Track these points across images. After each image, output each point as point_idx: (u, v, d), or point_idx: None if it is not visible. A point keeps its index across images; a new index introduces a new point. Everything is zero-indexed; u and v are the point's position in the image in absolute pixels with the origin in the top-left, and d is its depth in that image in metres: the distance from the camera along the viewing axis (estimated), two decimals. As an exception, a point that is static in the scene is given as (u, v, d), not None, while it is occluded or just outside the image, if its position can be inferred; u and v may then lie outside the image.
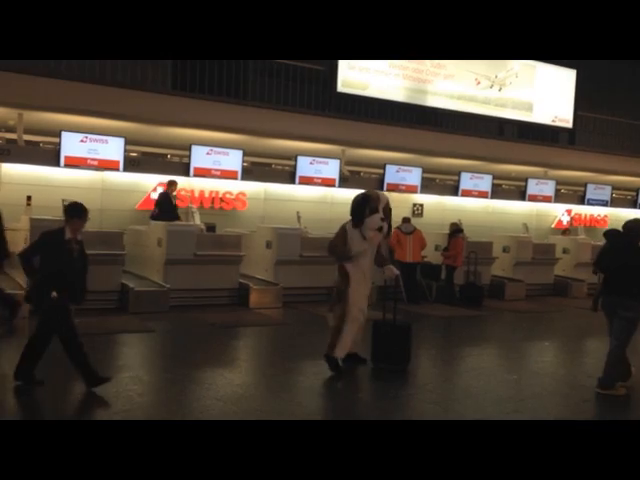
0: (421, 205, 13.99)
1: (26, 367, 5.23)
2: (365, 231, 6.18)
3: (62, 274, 5.14)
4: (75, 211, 5.34)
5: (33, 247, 5.37)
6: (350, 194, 13.01)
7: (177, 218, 10.35)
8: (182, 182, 11.25)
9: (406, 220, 11.54)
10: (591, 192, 15.70)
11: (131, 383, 5.62)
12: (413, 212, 13.66)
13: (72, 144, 9.88)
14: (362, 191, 6.53)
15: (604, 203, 16.01)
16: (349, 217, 6.37)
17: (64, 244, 5.20)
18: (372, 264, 6.43)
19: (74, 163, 9.97)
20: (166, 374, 6.18)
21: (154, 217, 10.16)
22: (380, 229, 6.18)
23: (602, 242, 15.33)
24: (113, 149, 10.15)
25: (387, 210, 6.30)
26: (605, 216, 16.78)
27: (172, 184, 10.50)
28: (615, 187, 16.16)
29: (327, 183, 12.11)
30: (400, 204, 13.39)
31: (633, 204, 16.65)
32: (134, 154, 10.84)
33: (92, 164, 10.06)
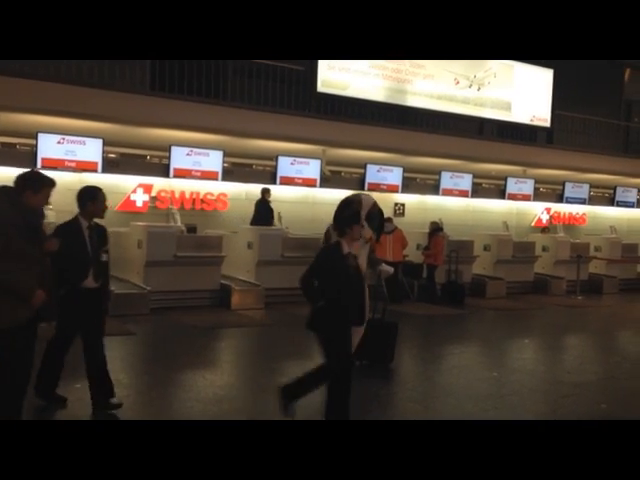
0: (402, 204, 14.05)
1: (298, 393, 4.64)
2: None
3: (346, 295, 4.48)
4: (352, 218, 4.59)
5: (312, 268, 4.62)
6: (331, 194, 13.11)
7: (272, 223, 11.10)
8: (162, 183, 11.18)
9: (387, 220, 11.57)
10: (569, 190, 15.88)
11: (111, 386, 5.57)
12: (395, 211, 13.71)
13: (49, 146, 9.76)
14: (347, 193, 6.43)
15: (582, 201, 16.20)
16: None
17: (343, 260, 4.49)
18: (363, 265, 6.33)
19: (51, 165, 9.83)
20: (146, 377, 6.14)
21: (253, 223, 10.98)
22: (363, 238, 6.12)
23: (580, 240, 15.55)
24: (91, 150, 10.04)
25: (375, 214, 5.91)
26: (583, 214, 16.98)
27: (267, 191, 11.19)
28: (592, 185, 16.36)
29: (308, 183, 12.11)
30: (382, 203, 13.26)
31: (610, 202, 16.87)
32: (113, 155, 10.74)
33: (70, 166, 9.94)
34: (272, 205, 11.36)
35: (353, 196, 6.40)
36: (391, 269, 6.67)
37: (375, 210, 6.07)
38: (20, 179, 3.95)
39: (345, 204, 6.05)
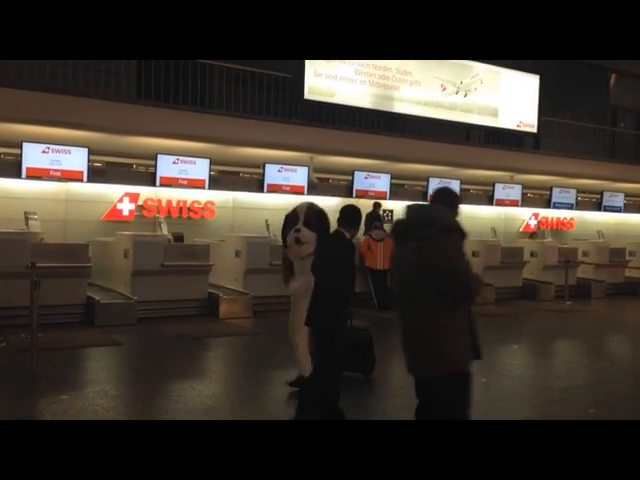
0: (391, 211, 14.04)
1: None
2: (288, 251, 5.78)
3: None
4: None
5: None
6: (319, 202, 13.06)
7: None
8: (148, 192, 11.11)
9: (377, 227, 11.56)
10: (556, 196, 15.94)
11: (97, 398, 5.52)
12: (383, 218, 13.69)
13: (34, 155, 9.65)
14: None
15: (569, 206, 16.27)
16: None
17: None
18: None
19: (36, 174, 9.75)
20: (134, 388, 6.07)
21: (366, 233, 11.71)
22: (297, 241, 5.59)
23: (568, 245, 15.56)
24: (76, 159, 9.95)
25: (311, 216, 5.69)
26: (571, 219, 17.07)
27: (379, 205, 12.58)
28: (580, 190, 16.44)
29: (296, 191, 12.07)
30: (370, 210, 13.44)
31: (597, 207, 16.96)
32: (98, 164, 10.66)
33: (55, 175, 9.84)
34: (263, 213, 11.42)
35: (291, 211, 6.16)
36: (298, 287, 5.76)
37: (311, 213, 5.70)
38: (453, 196, 3.67)
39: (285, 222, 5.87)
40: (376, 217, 12.37)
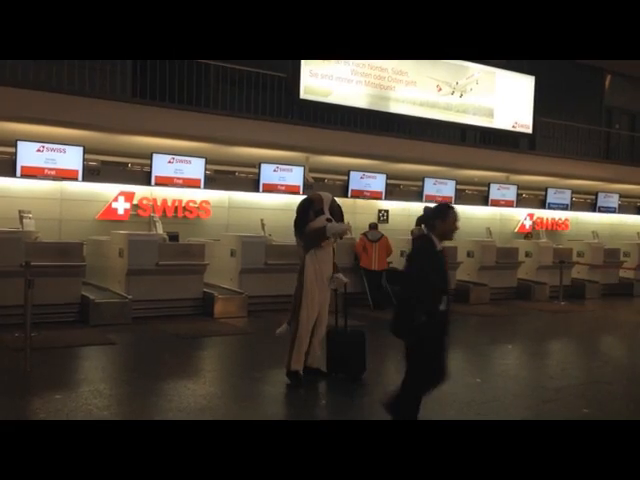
0: (386, 211, 14.05)
1: None
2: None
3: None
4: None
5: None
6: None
7: None
8: (144, 191, 11.09)
9: (373, 227, 11.54)
10: (551, 196, 15.97)
11: (91, 397, 5.50)
12: (378, 218, 13.69)
13: (28, 154, 9.61)
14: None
15: (564, 207, 16.30)
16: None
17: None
18: (330, 270, 6.23)
19: (31, 173, 9.71)
20: (128, 387, 6.06)
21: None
22: None
23: (563, 246, 15.57)
24: (71, 158, 9.91)
25: (335, 209, 6.17)
26: (566, 220, 17.10)
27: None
28: (575, 191, 16.48)
29: (291, 190, 12.07)
30: (365, 210, 13.45)
31: (592, 207, 17.00)
32: (93, 163, 10.63)
33: (50, 174, 9.81)
34: None
35: (311, 194, 6.45)
36: (344, 279, 6.38)
37: (334, 205, 6.19)
38: None
39: (306, 202, 6.12)
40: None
